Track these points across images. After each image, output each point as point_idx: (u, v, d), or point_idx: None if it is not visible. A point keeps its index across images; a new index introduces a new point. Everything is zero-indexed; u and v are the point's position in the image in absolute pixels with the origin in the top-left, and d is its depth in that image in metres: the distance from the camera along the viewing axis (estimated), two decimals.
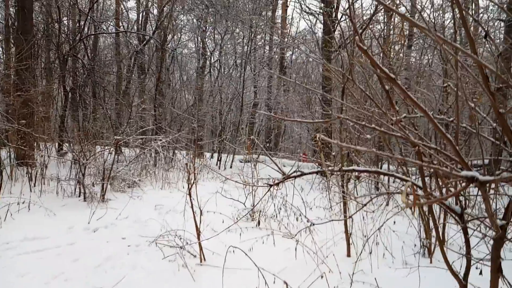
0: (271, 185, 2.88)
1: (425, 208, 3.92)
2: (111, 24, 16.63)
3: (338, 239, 4.42)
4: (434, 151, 2.22)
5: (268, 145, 14.52)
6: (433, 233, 4.10)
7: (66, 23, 14.24)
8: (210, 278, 3.59)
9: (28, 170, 6.95)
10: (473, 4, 10.46)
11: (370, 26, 10.40)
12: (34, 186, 6.76)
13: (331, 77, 8.26)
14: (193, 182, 4.12)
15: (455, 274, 2.38)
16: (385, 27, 10.83)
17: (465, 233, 2.38)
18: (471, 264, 2.42)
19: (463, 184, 1.93)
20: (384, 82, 3.00)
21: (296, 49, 13.88)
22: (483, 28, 2.80)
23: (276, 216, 5.34)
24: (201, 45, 15.85)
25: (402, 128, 2.61)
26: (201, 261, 3.97)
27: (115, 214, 5.51)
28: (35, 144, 8.45)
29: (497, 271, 2.06)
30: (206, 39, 15.94)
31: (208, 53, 15.70)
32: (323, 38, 11.90)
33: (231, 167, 12.09)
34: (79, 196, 6.48)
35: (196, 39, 15.99)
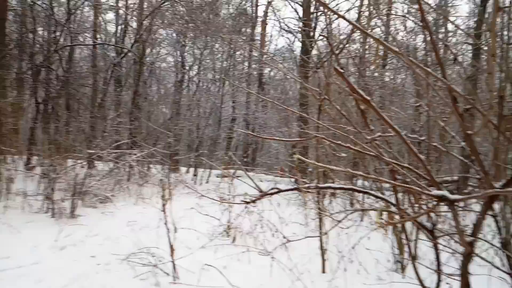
0: (247, 202, 2.87)
1: (398, 224, 3.99)
2: (88, 35, 16.36)
3: (313, 255, 4.41)
4: (407, 169, 2.28)
5: (245, 160, 14.53)
6: (407, 248, 4.17)
7: (41, 33, 13.89)
8: None
9: None
10: (443, 27, 11.03)
11: (347, 46, 10.74)
12: None
13: (308, 94, 8.42)
14: (168, 198, 4.05)
15: None
16: (362, 47, 11.21)
17: (436, 248, 2.43)
18: (441, 279, 2.47)
19: (435, 202, 1.98)
20: (359, 102, 3.08)
21: (275, 67, 14.14)
22: (452, 52, 2.93)
23: (252, 232, 5.29)
24: (180, 60, 15.83)
25: (376, 147, 2.67)
26: (174, 280, 3.85)
27: (85, 231, 5.29)
28: (1, 157, 8.07)
29: (466, 286, 2.11)
30: (185, 54, 15.96)
31: (187, 68, 15.69)
32: (301, 56, 12.18)
33: (207, 182, 11.95)
34: (47, 212, 6.19)
35: (175, 53, 15.97)
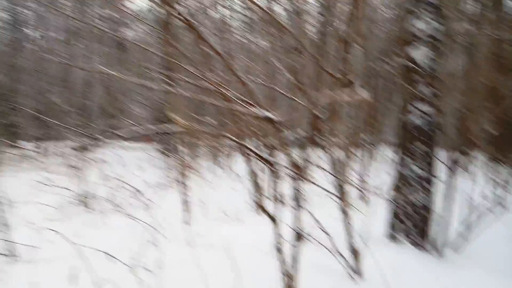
0: (85, 148, 2.62)
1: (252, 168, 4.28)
2: None
3: (176, 209, 4.41)
4: (242, 101, 2.39)
5: (105, 127, 13.32)
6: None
7: None
8: (24, 275, 3.05)
9: None
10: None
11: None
12: None
13: (170, 55, 8.11)
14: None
15: (270, 216, 2.65)
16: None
17: (276, 178, 2.65)
18: (282, 205, 2.73)
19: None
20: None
21: (135, 28, 13.07)
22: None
23: (111, 198, 4.95)
24: (16, 15, 13.16)
25: (218, 87, 2.72)
26: (12, 259, 3.33)
27: None
28: None
29: (298, 207, 2.39)
30: (23, 9, 13.33)
31: (26, 25, 13.14)
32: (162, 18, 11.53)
33: (58, 155, 10.55)
34: None
35: (9, 8, 13.20)
